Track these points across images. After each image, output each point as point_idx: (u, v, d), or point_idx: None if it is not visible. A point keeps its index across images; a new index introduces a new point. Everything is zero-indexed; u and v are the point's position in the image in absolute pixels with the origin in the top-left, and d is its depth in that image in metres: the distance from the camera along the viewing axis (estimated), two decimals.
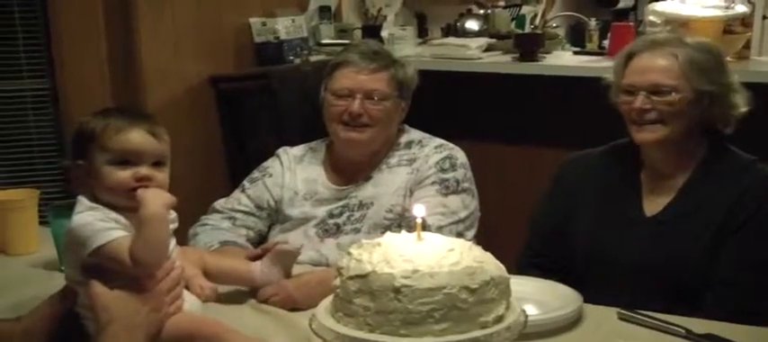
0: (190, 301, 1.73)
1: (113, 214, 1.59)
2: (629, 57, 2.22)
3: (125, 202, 1.59)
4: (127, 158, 1.60)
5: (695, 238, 2.11)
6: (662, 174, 2.22)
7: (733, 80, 2.18)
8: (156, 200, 1.58)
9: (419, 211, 1.47)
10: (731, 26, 3.55)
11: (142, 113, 1.72)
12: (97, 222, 1.57)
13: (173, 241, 1.70)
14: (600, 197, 2.28)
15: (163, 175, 1.64)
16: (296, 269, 2.06)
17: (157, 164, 1.64)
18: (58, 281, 1.80)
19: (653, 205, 2.21)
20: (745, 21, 3.64)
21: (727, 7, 3.54)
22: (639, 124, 2.16)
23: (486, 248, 1.47)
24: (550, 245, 2.34)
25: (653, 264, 2.13)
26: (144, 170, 1.61)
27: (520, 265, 2.28)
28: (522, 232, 2.46)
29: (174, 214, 1.70)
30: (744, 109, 2.17)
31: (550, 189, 2.42)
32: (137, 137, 1.61)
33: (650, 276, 2.11)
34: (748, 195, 2.10)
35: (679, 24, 3.52)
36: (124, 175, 1.60)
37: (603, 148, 2.36)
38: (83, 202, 1.61)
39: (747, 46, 3.67)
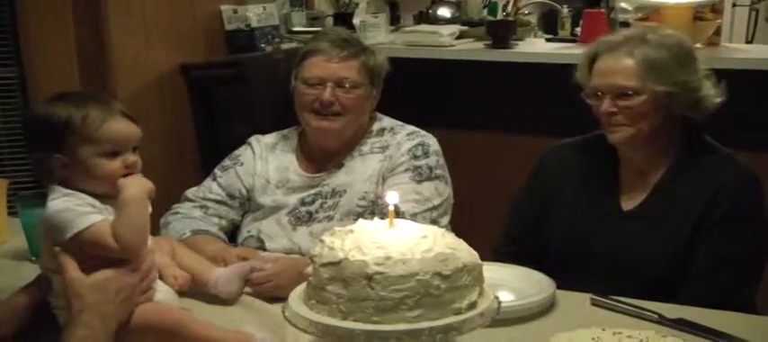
0: (163, 291, 1.73)
1: (89, 199, 1.59)
2: (593, 59, 2.21)
3: (112, 190, 1.59)
4: (115, 148, 1.61)
5: (671, 234, 2.12)
6: (639, 169, 2.21)
7: (696, 77, 2.14)
8: (139, 185, 1.60)
9: (392, 198, 1.47)
10: (701, 13, 3.57)
11: (109, 98, 1.71)
12: (75, 207, 1.57)
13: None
14: (578, 189, 2.28)
15: (139, 159, 1.65)
16: (268, 256, 2.04)
17: (135, 148, 1.65)
18: (27, 271, 1.79)
19: (630, 200, 2.21)
20: (714, 7, 3.67)
21: None
22: (610, 125, 2.16)
23: (460, 235, 1.47)
24: (528, 234, 2.33)
25: (627, 258, 2.13)
26: (131, 157, 1.63)
27: (497, 254, 2.28)
28: (495, 219, 2.46)
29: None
30: (718, 100, 2.15)
31: (530, 178, 2.41)
32: (121, 124, 1.62)
33: (624, 270, 2.11)
34: (724, 191, 2.10)
35: (650, 11, 3.54)
36: (115, 165, 1.61)
37: (585, 137, 2.36)
38: (57, 189, 1.60)
39: (718, 33, 3.69)
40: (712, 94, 2.15)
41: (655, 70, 2.10)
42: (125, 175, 1.60)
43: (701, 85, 2.14)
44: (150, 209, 1.67)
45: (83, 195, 1.59)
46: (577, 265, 2.16)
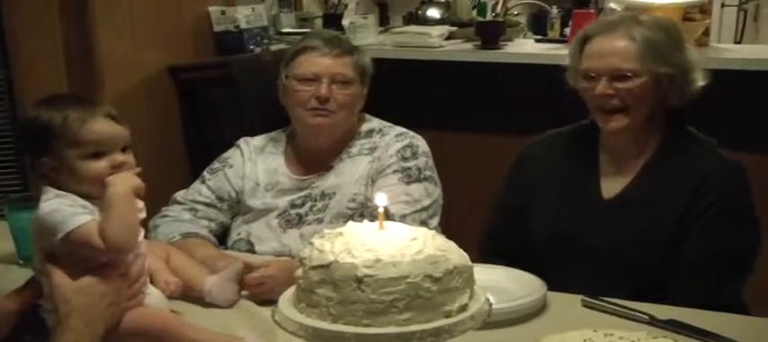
0: (154, 295, 1.72)
1: (81, 201, 1.58)
2: (585, 40, 2.17)
3: (102, 192, 1.58)
4: (99, 149, 1.59)
5: (656, 223, 2.10)
6: (622, 155, 2.19)
7: (689, 58, 2.14)
8: (125, 182, 1.58)
9: (381, 200, 1.46)
10: (690, 13, 3.58)
11: (95, 100, 1.70)
12: (66, 207, 1.56)
13: (141, 232, 1.68)
14: (559, 181, 2.27)
15: (131, 158, 1.64)
16: (259, 259, 2.03)
17: (125, 148, 1.63)
18: (15, 275, 1.78)
19: (611, 187, 2.19)
20: (703, 8, 3.67)
21: None
22: (605, 113, 2.13)
23: (450, 237, 1.46)
24: (510, 230, 2.32)
25: (613, 248, 2.12)
26: (118, 157, 1.61)
27: (481, 253, 2.26)
28: (485, 220, 2.45)
29: (142, 204, 1.68)
30: (701, 83, 2.14)
31: (510, 174, 2.40)
32: (103, 125, 1.60)
33: (611, 261, 2.10)
34: (710, 182, 2.08)
35: (639, 12, 3.54)
36: (101, 165, 1.59)
37: (564, 129, 2.34)
38: (49, 190, 1.59)
39: (706, 33, 3.70)
40: (699, 76, 2.14)
41: (655, 51, 2.08)
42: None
43: (694, 67, 2.13)
44: (142, 207, 1.66)
45: (75, 197, 1.58)
46: (563, 257, 2.15)
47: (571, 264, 2.10)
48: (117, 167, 1.60)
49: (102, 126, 1.60)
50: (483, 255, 2.22)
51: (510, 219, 2.34)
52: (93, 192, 1.58)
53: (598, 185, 2.21)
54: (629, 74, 2.08)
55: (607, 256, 2.11)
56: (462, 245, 1.45)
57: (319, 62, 2.41)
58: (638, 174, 2.16)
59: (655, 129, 2.17)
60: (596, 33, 2.15)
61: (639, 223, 2.12)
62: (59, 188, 1.59)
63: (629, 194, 2.16)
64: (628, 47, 2.09)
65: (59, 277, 1.54)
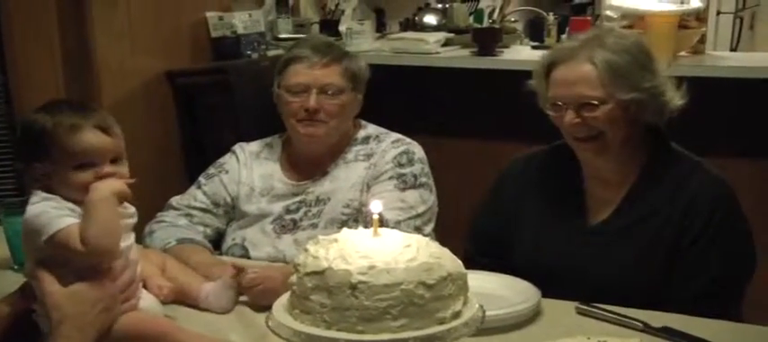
0: (148, 301, 1.72)
1: (69, 204, 1.58)
2: (550, 67, 2.08)
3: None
4: (86, 160, 1.59)
5: (645, 250, 2.03)
6: (606, 180, 2.12)
7: (659, 81, 2.03)
8: (106, 186, 1.57)
9: (376, 206, 1.47)
10: (686, 21, 3.59)
11: (90, 107, 1.69)
12: (51, 210, 1.56)
13: (131, 237, 1.69)
14: (542, 206, 2.19)
15: (124, 170, 1.64)
16: (253, 264, 2.03)
17: (115, 160, 1.62)
18: (10, 279, 1.78)
19: (597, 213, 2.13)
20: (699, 16, 3.68)
21: (682, 2, 3.58)
22: (578, 141, 2.06)
23: (445, 244, 1.46)
24: (491, 256, 2.21)
25: (599, 276, 2.03)
26: (106, 168, 1.60)
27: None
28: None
29: (132, 209, 1.68)
30: (680, 102, 2.05)
31: (490, 196, 2.33)
32: (91, 138, 1.60)
33: (598, 289, 1.95)
34: (698, 203, 2.01)
35: (635, 19, 3.56)
36: (86, 177, 1.59)
37: (548, 147, 2.26)
38: (38, 193, 1.59)
39: (702, 41, 3.71)
40: (674, 95, 2.05)
41: (618, 77, 1.98)
42: None
43: (665, 89, 2.04)
44: (134, 212, 1.66)
45: (62, 200, 1.58)
46: (548, 284, 1.96)
47: (558, 292, 1.95)
48: (103, 179, 1.59)
49: (89, 138, 1.59)
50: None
51: (488, 250, 2.25)
52: (80, 199, 1.58)
53: (584, 213, 2.14)
54: (594, 102, 1.99)
55: (592, 286, 1.98)
56: (456, 251, 1.46)
57: (307, 73, 2.40)
58: (624, 199, 2.08)
59: (636, 150, 2.09)
60: (559, 61, 2.06)
61: (627, 250, 2.05)
62: (50, 193, 1.59)
63: (615, 221, 2.09)
64: (590, 73, 1.99)
65: (50, 285, 1.54)
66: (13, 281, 1.75)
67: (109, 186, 1.58)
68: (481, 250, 2.26)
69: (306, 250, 1.41)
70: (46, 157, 1.59)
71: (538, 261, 2.12)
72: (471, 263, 2.19)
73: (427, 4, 4.78)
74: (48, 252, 1.56)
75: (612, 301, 1.88)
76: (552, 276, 1.99)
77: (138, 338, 1.62)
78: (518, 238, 2.21)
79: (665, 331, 1.72)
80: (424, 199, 2.40)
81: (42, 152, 1.59)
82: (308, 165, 2.49)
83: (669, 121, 2.09)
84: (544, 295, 1.88)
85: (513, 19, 4.60)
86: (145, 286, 1.76)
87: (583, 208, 2.15)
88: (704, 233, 2.00)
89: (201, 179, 2.54)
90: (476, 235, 2.34)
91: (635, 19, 3.56)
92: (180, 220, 2.43)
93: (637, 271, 2.04)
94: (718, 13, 5.99)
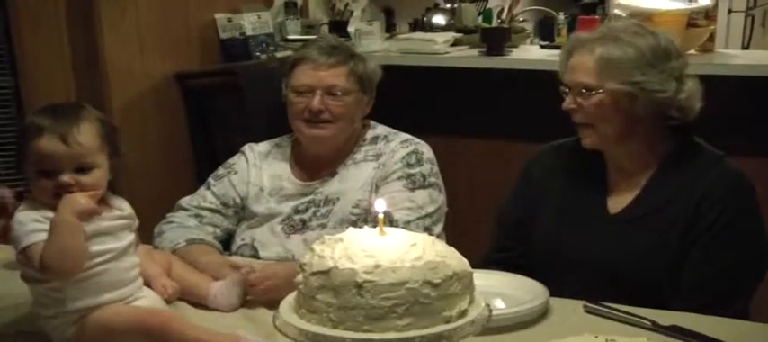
0: (150, 297, 1.73)
1: (50, 214, 1.57)
2: (568, 55, 2.15)
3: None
4: (43, 168, 1.59)
5: (660, 239, 2.06)
6: (626, 170, 2.15)
7: (660, 79, 2.03)
8: (68, 207, 1.56)
9: (380, 205, 1.47)
10: (695, 19, 3.57)
11: (76, 112, 1.66)
12: (29, 223, 1.57)
13: (129, 237, 1.69)
14: (565, 193, 2.24)
15: (90, 180, 1.61)
16: (262, 264, 2.04)
17: (83, 169, 1.61)
18: (17, 281, 1.77)
19: (617, 203, 2.16)
20: (708, 14, 3.66)
21: (690, 0, 3.56)
22: (577, 127, 2.12)
23: (455, 243, 1.46)
24: (515, 240, 2.29)
25: (615, 264, 2.07)
26: (65, 178, 1.58)
27: (485, 261, 2.21)
28: (490, 226, 2.45)
29: (128, 210, 1.68)
30: (697, 105, 2.07)
31: (518, 182, 2.37)
32: (46, 145, 1.58)
33: (612, 277, 2.04)
34: (714, 194, 2.03)
35: (644, 18, 3.54)
36: (46, 183, 1.59)
37: (573, 139, 2.28)
38: (27, 200, 1.60)
39: (712, 39, 3.70)
40: (688, 97, 2.06)
41: (610, 68, 2.03)
42: (60, 195, 1.58)
43: (666, 88, 2.04)
44: (129, 213, 1.66)
45: (45, 210, 1.58)
46: (564, 271, 2.09)
47: (569, 278, 2.04)
48: (61, 188, 1.58)
49: (44, 144, 1.58)
50: (487, 264, 2.17)
51: (515, 228, 2.31)
52: (54, 205, 1.58)
53: (604, 201, 2.18)
54: (584, 89, 2.06)
55: (607, 273, 2.06)
56: (468, 251, 1.46)
57: (313, 74, 2.41)
58: (644, 189, 2.12)
59: (659, 142, 2.12)
60: (574, 49, 2.13)
61: (643, 239, 2.08)
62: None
63: (633, 210, 2.13)
64: (588, 62, 2.07)
65: None
66: (21, 282, 1.75)
67: (71, 207, 1.56)
68: (507, 233, 2.33)
69: (311, 250, 1.41)
70: (22, 159, 1.61)
71: (555, 245, 2.18)
72: (497, 245, 2.30)
73: (436, 5, 4.77)
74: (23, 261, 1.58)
75: (627, 289, 1.94)
76: (568, 262, 2.10)
77: (144, 331, 1.62)
78: (540, 224, 2.25)
79: (673, 330, 1.72)
80: (433, 199, 2.40)
81: (20, 154, 1.61)
82: (316, 165, 2.49)
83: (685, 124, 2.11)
84: (559, 281, 1.88)
85: (522, 19, 4.59)
86: (149, 286, 1.77)
87: (604, 197, 2.19)
88: (716, 224, 2.02)
89: (211, 180, 2.54)
90: (502, 218, 2.38)
91: (644, 18, 3.54)
92: (189, 221, 2.43)
93: (652, 259, 2.06)
94: (730, 11, 5.97)
